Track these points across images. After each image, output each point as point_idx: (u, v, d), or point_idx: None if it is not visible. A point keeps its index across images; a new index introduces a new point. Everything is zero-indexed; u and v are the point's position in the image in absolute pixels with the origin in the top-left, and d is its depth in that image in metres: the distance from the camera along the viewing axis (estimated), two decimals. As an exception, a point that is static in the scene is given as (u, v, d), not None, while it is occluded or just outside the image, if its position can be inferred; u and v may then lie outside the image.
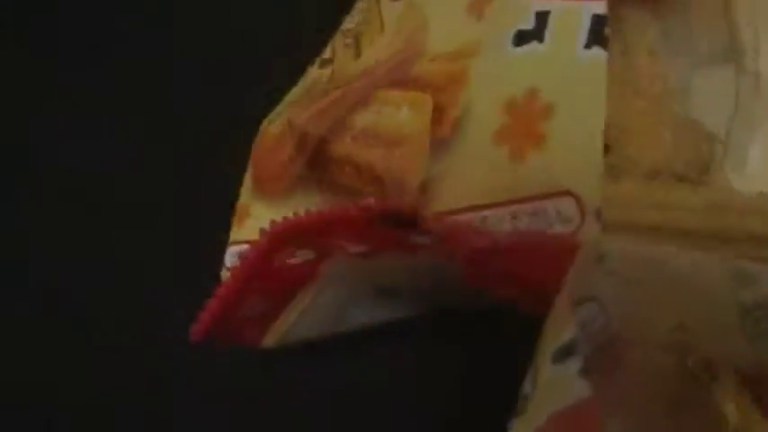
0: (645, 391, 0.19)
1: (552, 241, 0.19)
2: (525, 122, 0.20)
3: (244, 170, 0.27)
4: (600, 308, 0.18)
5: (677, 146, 0.23)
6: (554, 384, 0.17)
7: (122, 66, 0.32)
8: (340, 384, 0.27)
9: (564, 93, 0.20)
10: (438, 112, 0.22)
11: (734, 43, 0.25)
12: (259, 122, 0.27)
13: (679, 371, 0.18)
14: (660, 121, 0.24)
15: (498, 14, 0.22)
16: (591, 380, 0.16)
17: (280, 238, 0.22)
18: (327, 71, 0.26)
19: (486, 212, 0.20)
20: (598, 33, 0.20)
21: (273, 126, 0.27)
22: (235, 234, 0.26)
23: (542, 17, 0.21)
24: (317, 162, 0.25)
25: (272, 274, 0.23)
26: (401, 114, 0.23)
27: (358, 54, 0.26)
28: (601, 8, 0.20)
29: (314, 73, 0.27)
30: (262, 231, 0.22)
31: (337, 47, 0.26)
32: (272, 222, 0.22)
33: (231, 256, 0.26)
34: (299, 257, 0.23)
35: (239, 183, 0.27)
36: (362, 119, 0.24)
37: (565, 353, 0.16)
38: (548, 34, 0.20)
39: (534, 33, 0.21)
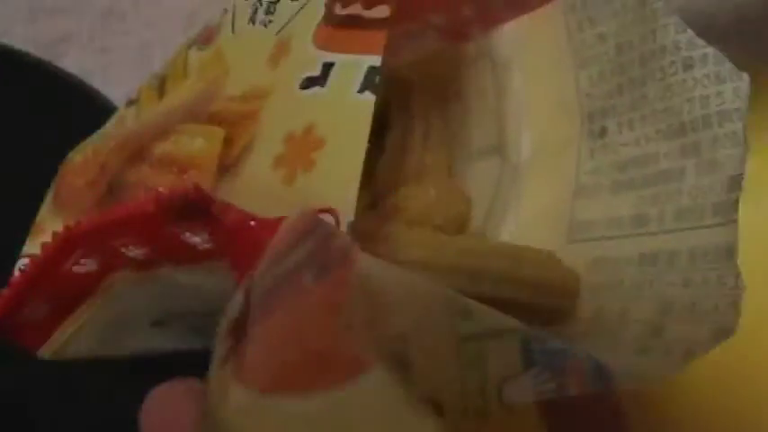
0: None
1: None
2: (299, 152, 0.22)
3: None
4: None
5: (439, 202, 0.26)
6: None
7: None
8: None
9: (335, 128, 0.22)
10: (228, 144, 0.24)
11: (501, 136, 0.29)
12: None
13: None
14: (428, 182, 0.27)
15: (291, 65, 0.25)
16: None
17: (70, 241, 0.23)
18: (132, 110, 0.29)
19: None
20: (371, 81, 0.23)
21: (78, 155, 0.29)
22: (27, 248, 0.27)
23: (327, 67, 0.23)
24: (115, 188, 0.27)
25: (58, 280, 0.24)
26: (195, 144, 0.25)
27: (161, 95, 0.28)
28: (376, 61, 0.23)
29: (121, 112, 0.29)
30: (54, 234, 0.24)
31: (143, 89, 0.29)
32: (66, 226, 0.23)
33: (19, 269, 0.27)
34: (86, 266, 0.24)
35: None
36: (160, 148, 0.26)
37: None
38: (330, 80, 0.23)
39: (319, 79, 0.23)
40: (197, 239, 0.22)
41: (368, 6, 0.24)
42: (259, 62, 0.26)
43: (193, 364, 0.22)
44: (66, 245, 0.24)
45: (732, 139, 0.23)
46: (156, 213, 0.21)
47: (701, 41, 0.24)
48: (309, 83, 0.24)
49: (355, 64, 0.23)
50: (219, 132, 0.25)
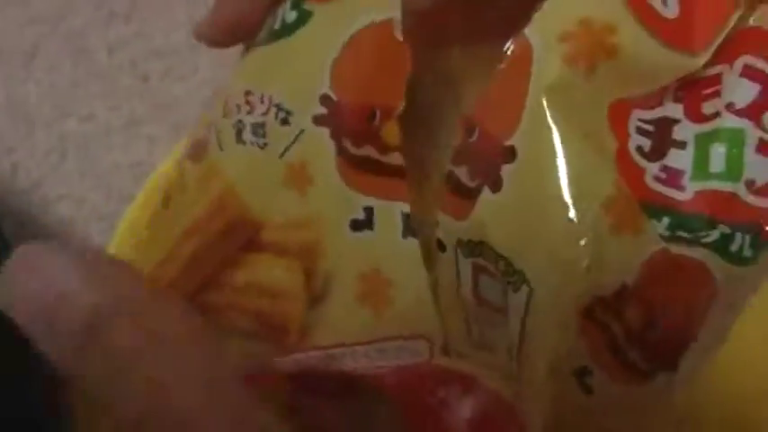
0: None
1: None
2: (377, 290, 0.30)
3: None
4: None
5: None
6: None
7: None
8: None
9: (396, 269, 0.30)
10: (309, 275, 0.32)
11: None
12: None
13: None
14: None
15: (326, 199, 0.30)
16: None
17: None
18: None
19: (351, 349, 0.30)
20: (409, 227, 0.30)
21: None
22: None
23: (369, 211, 0.30)
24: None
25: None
26: (275, 273, 0.32)
27: (166, 205, 0.34)
28: (407, 209, 0.30)
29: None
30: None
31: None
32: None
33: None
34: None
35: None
36: (240, 275, 0.33)
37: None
38: (376, 225, 0.30)
39: (366, 223, 0.31)
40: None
41: (382, 152, 0.31)
42: (275, 186, 0.31)
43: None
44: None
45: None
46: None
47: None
48: (358, 225, 0.31)
49: (390, 211, 0.30)
50: (297, 264, 0.32)
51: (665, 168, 0.28)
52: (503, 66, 0.28)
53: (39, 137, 0.53)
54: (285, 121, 0.31)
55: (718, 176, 0.27)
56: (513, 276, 0.27)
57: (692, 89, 0.28)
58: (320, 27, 0.31)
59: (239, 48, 0.34)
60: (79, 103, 0.52)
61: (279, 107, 0.31)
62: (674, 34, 0.28)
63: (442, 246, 0.29)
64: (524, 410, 0.28)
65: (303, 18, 0.31)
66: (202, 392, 0.26)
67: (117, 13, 0.53)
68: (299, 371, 0.30)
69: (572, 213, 0.26)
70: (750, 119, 0.28)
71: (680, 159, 0.28)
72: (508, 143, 0.27)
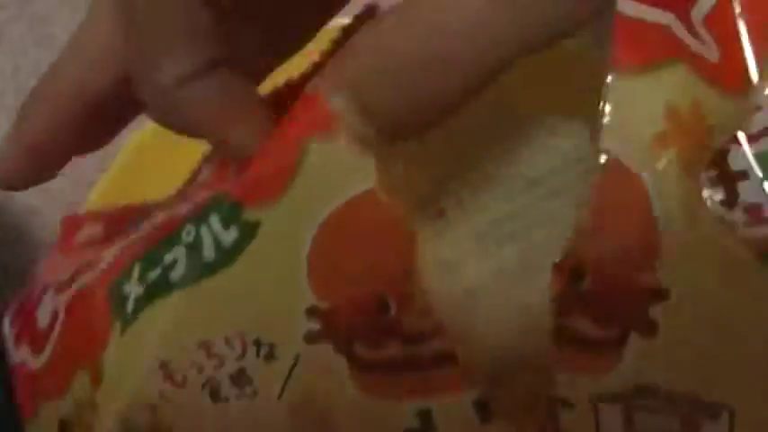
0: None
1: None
2: None
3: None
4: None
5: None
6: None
7: None
8: None
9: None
10: None
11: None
12: None
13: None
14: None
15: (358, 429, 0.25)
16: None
17: None
18: None
19: None
20: (485, 409, 0.24)
21: None
22: None
23: (425, 413, 0.24)
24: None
25: None
26: None
27: None
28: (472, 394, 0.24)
29: None
30: None
31: None
32: None
33: None
34: None
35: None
36: None
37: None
38: (439, 426, 0.25)
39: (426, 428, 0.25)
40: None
41: (413, 342, 0.24)
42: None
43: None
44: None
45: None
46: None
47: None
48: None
49: (453, 407, 0.24)
50: None
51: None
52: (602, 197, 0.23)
53: (2, 123, 0.52)
54: (270, 356, 0.24)
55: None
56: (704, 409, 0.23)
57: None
58: (275, 233, 0.24)
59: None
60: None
61: (257, 342, 0.24)
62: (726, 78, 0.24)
63: (568, 404, 0.24)
64: None
65: (248, 232, 0.24)
66: None
67: (81, -2, 0.49)
68: None
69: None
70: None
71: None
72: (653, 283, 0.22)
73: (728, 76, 0.24)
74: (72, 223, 0.32)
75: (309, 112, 0.23)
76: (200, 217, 0.25)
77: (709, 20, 0.25)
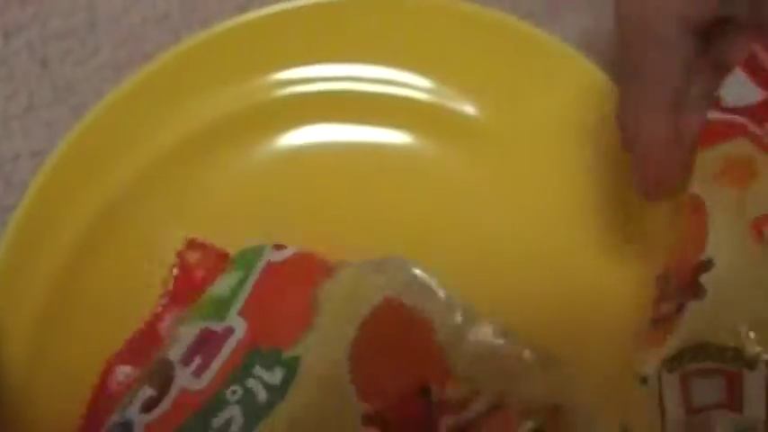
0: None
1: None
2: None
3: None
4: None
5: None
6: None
7: None
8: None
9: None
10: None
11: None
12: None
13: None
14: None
15: None
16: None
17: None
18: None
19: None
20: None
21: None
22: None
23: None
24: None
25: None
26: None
27: None
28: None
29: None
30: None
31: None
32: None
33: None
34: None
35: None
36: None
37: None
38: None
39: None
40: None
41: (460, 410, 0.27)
42: None
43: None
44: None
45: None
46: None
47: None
48: None
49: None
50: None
51: None
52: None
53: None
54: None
55: None
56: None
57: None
58: (315, 353, 0.27)
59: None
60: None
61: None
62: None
63: (644, 380, 0.27)
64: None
65: (292, 368, 0.27)
66: None
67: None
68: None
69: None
70: None
71: None
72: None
73: None
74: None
75: None
76: (240, 377, 0.27)
77: None
